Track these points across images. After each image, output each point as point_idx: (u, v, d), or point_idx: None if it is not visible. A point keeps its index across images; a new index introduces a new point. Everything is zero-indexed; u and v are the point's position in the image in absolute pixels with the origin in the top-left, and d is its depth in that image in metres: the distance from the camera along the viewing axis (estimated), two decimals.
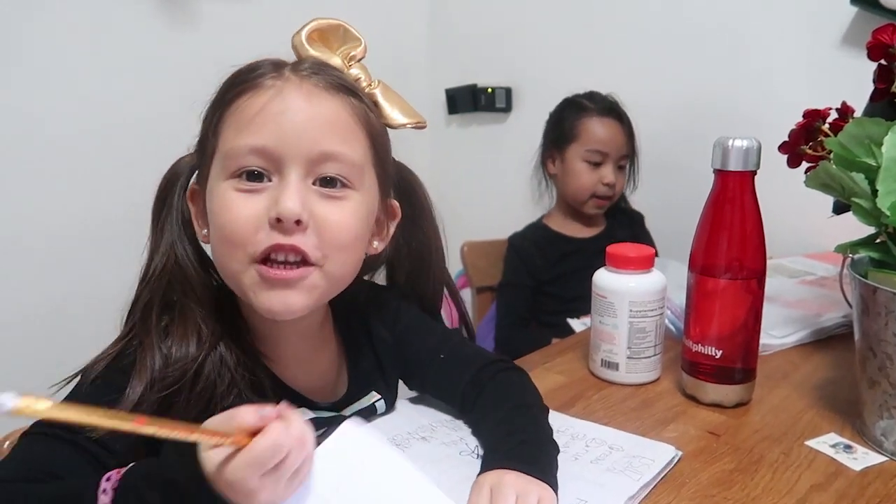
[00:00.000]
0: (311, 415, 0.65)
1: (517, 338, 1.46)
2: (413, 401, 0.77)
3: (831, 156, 0.72)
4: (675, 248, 1.15)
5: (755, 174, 0.74)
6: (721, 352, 0.76)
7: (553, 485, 0.57)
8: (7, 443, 0.68)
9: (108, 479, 0.50)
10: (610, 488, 0.61)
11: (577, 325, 1.26)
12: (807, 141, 0.81)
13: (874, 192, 0.65)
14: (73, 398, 0.59)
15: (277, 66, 0.63)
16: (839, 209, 0.85)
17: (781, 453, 0.68)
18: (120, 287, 0.66)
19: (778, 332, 0.95)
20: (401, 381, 0.77)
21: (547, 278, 1.49)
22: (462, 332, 0.83)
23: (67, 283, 1.38)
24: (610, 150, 1.45)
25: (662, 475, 0.64)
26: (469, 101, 1.97)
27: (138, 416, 0.43)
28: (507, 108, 1.93)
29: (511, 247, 1.54)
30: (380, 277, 0.79)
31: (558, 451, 0.63)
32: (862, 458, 0.67)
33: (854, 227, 0.70)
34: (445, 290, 0.81)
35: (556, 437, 0.65)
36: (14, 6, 1.28)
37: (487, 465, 0.59)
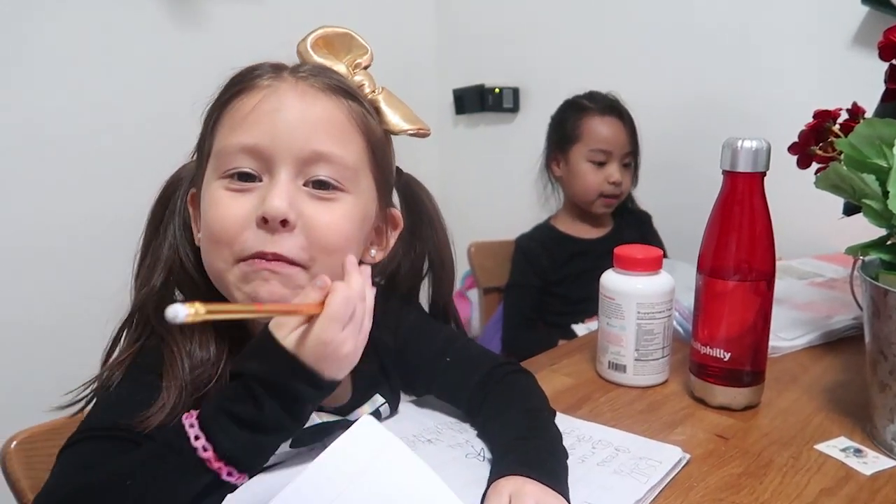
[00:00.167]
0: (317, 421, 0.65)
1: (524, 339, 1.46)
2: (417, 403, 0.76)
3: (842, 157, 0.71)
4: (683, 249, 1.14)
5: (765, 175, 0.73)
6: (730, 354, 0.75)
7: (567, 496, 0.56)
8: (14, 442, 0.69)
9: (188, 416, 0.51)
10: (617, 491, 0.60)
11: (580, 329, 1.25)
12: (817, 142, 0.81)
13: (885, 194, 0.64)
14: (103, 398, 0.60)
15: (276, 69, 0.63)
16: (849, 211, 0.85)
17: (790, 457, 0.67)
18: (129, 289, 0.66)
19: (787, 334, 0.94)
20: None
21: (554, 279, 1.49)
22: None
23: (75, 284, 1.38)
24: (613, 148, 1.44)
25: (670, 478, 0.63)
26: (476, 101, 1.97)
27: (256, 304, 0.52)
28: (515, 109, 1.93)
29: (518, 248, 1.53)
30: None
31: (567, 457, 0.63)
32: (872, 463, 0.66)
33: (864, 229, 0.69)
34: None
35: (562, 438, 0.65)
36: (20, 7, 1.29)
37: (502, 469, 0.58)
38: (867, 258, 0.71)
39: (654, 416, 0.76)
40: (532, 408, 0.68)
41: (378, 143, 0.65)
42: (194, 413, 0.52)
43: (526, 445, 0.61)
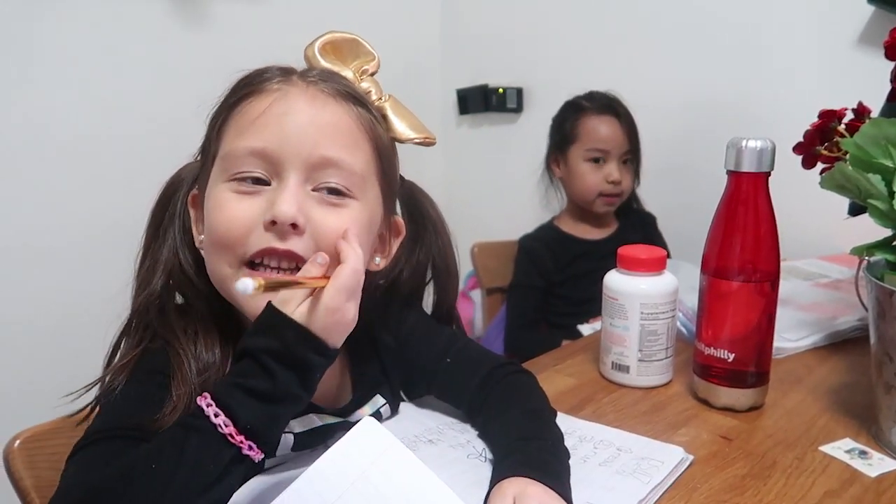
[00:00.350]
0: (318, 422, 0.65)
1: (527, 339, 1.45)
2: (418, 404, 0.76)
3: (847, 157, 0.71)
4: (686, 249, 1.14)
5: (769, 175, 0.73)
6: (734, 355, 0.75)
7: (570, 497, 0.56)
8: (17, 441, 0.69)
9: (203, 398, 0.51)
10: (620, 491, 0.60)
11: (586, 329, 1.25)
12: (822, 142, 0.80)
13: (891, 194, 0.64)
14: (108, 402, 0.59)
15: (285, 72, 0.62)
16: (855, 211, 0.84)
17: (795, 458, 0.67)
18: (131, 289, 0.66)
19: (791, 335, 0.94)
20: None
21: (557, 280, 1.49)
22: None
23: (78, 284, 1.39)
24: (611, 147, 1.44)
25: (673, 479, 0.63)
26: (480, 101, 1.97)
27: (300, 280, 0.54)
28: (519, 109, 1.93)
29: (522, 248, 1.53)
30: None
31: (569, 457, 0.62)
32: (878, 465, 0.66)
33: (870, 230, 0.69)
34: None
35: (564, 438, 0.64)
36: (26, 7, 1.29)
37: (504, 470, 0.58)
38: (872, 259, 0.71)
39: (657, 417, 0.76)
40: (533, 408, 0.68)
41: (385, 150, 0.65)
42: (207, 395, 0.51)
43: (528, 446, 0.61)
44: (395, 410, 0.74)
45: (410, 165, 0.75)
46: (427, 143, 0.68)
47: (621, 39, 1.70)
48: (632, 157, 1.47)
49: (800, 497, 0.61)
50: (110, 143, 1.41)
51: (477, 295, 1.64)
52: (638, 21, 1.67)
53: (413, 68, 1.97)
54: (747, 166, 0.72)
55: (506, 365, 0.73)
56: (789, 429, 0.73)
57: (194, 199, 0.66)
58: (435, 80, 2.07)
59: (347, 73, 0.65)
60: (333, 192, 0.60)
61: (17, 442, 0.69)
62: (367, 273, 0.61)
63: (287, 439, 0.62)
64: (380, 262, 0.69)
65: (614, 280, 0.83)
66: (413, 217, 0.75)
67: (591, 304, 1.19)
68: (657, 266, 0.82)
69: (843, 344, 0.95)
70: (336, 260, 0.57)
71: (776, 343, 0.79)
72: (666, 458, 0.65)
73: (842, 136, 0.77)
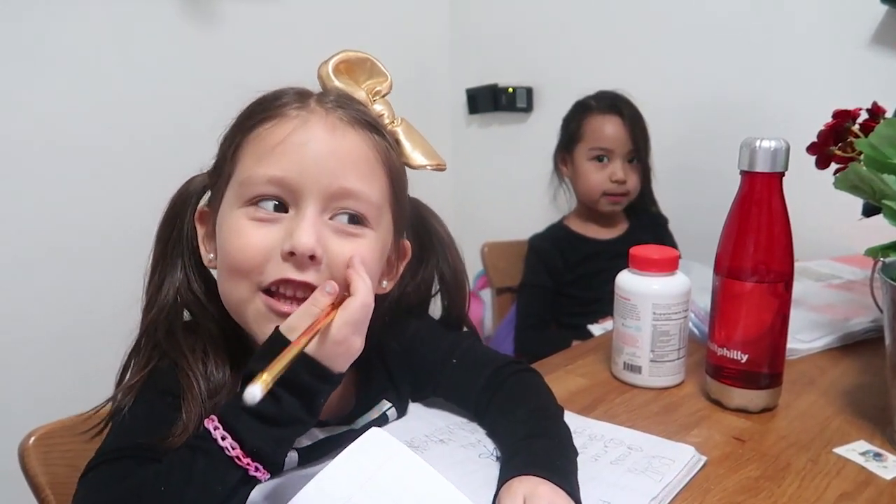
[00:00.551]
0: (321, 435, 0.65)
1: (537, 339, 1.45)
2: (427, 404, 0.76)
3: (861, 157, 0.70)
4: (698, 250, 1.14)
5: (783, 176, 0.73)
6: (747, 356, 0.75)
7: (578, 496, 0.56)
8: (32, 438, 0.69)
9: (210, 421, 0.52)
10: (632, 489, 0.60)
11: (596, 329, 1.25)
12: (836, 142, 0.80)
13: None
14: (118, 423, 0.60)
15: (302, 97, 0.62)
16: (869, 212, 0.84)
17: (809, 461, 0.67)
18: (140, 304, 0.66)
19: (805, 336, 0.93)
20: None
21: (567, 280, 1.48)
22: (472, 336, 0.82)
23: (92, 284, 1.39)
24: (614, 146, 1.44)
25: (687, 479, 0.63)
26: (490, 100, 1.97)
27: (292, 343, 0.51)
28: (528, 108, 1.93)
29: (531, 248, 1.53)
30: None
31: (577, 455, 0.62)
32: (893, 467, 0.65)
33: (884, 230, 0.69)
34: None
35: (574, 437, 0.64)
36: (38, 8, 1.30)
37: (513, 469, 0.58)
38: (888, 260, 0.70)
39: (669, 418, 0.76)
40: (539, 406, 0.68)
41: (398, 177, 0.65)
42: (215, 418, 0.52)
43: (536, 445, 0.61)
44: (402, 413, 0.74)
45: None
46: (438, 169, 0.68)
47: (632, 38, 1.70)
48: (637, 156, 1.46)
49: (814, 499, 0.60)
50: (122, 143, 1.42)
51: (487, 295, 1.64)
52: (649, 20, 1.66)
53: (422, 68, 1.97)
54: (761, 166, 0.72)
55: (511, 364, 0.73)
56: (803, 430, 0.72)
57: (202, 215, 0.66)
58: (444, 80, 2.07)
59: (360, 94, 0.65)
60: (351, 220, 0.61)
61: (32, 439, 0.69)
62: (374, 297, 0.61)
63: (292, 456, 0.63)
64: (386, 286, 0.69)
65: (626, 280, 0.83)
66: (419, 235, 0.75)
67: (601, 304, 1.19)
68: (670, 266, 0.82)
69: (857, 345, 0.94)
70: (345, 287, 0.57)
71: (789, 344, 0.79)
72: (677, 457, 0.65)
73: (856, 136, 0.77)
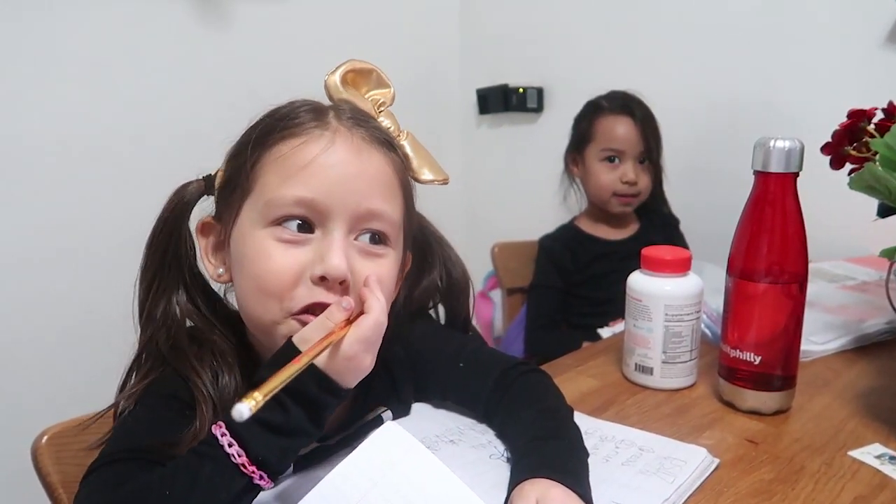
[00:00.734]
0: (317, 443, 0.64)
1: (547, 340, 1.45)
2: (437, 405, 0.76)
3: (877, 157, 0.70)
4: (710, 251, 1.13)
5: (797, 176, 0.72)
6: (760, 358, 0.74)
7: (590, 498, 0.56)
8: (45, 437, 0.70)
9: (218, 427, 0.52)
10: (645, 490, 0.60)
11: (605, 333, 1.24)
12: (851, 142, 0.79)
13: None
14: (120, 426, 0.60)
15: (319, 113, 0.62)
16: (884, 212, 0.83)
17: (823, 463, 0.66)
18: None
19: (818, 338, 0.93)
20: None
21: (577, 280, 1.48)
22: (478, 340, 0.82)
23: (101, 284, 1.40)
24: (625, 147, 1.43)
25: (700, 481, 0.62)
26: (500, 101, 1.96)
27: (293, 359, 0.50)
28: (539, 109, 1.92)
29: (542, 248, 1.53)
30: None
31: (588, 455, 0.62)
32: None
33: None
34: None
35: (584, 438, 0.64)
36: (48, 10, 1.31)
37: (523, 471, 0.57)
38: None
39: (682, 420, 0.75)
40: (549, 407, 0.67)
41: (410, 193, 0.66)
42: (222, 424, 0.52)
43: (546, 446, 0.60)
44: (402, 415, 0.73)
45: None
46: (444, 183, 0.69)
47: (643, 38, 1.69)
48: (649, 157, 1.45)
49: (829, 503, 0.60)
50: (132, 144, 1.43)
51: (497, 295, 1.64)
52: (660, 20, 1.65)
53: (433, 69, 1.97)
54: (775, 167, 0.71)
55: (518, 365, 0.73)
56: (817, 433, 0.72)
57: (205, 227, 0.66)
58: (455, 80, 2.07)
59: (366, 105, 0.66)
60: (372, 239, 0.61)
61: (45, 438, 0.70)
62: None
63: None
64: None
65: (638, 281, 0.82)
66: (419, 241, 0.74)
67: (611, 304, 1.18)
68: (682, 267, 0.81)
69: (871, 347, 0.93)
70: (360, 303, 0.58)
71: (802, 346, 0.78)
72: (689, 458, 0.64)
73: (871, 136, 0.76)
